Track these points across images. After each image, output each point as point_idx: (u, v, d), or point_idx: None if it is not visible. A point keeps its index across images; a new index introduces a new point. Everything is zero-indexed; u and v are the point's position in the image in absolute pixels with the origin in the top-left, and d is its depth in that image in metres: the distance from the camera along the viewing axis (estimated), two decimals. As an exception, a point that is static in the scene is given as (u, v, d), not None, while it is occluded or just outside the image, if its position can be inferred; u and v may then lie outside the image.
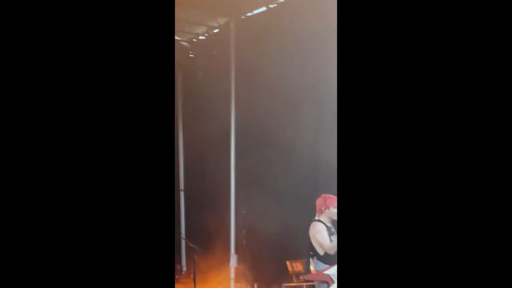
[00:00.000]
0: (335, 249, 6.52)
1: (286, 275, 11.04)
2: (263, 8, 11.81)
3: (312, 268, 7.00)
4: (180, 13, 9.66)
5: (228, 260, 11.88)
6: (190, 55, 13.34)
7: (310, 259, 6.94)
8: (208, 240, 11.63)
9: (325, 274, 6.69)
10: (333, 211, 6.82)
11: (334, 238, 6.72)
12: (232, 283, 11.79)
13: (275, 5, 11.62)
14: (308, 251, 6.92)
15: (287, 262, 11.02)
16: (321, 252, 6.72)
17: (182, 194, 13.91)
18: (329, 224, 6.82)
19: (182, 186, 13.87)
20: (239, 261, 11.88)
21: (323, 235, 6.75)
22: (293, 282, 10.95)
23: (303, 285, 10.63)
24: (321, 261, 6.72)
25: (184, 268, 13.01)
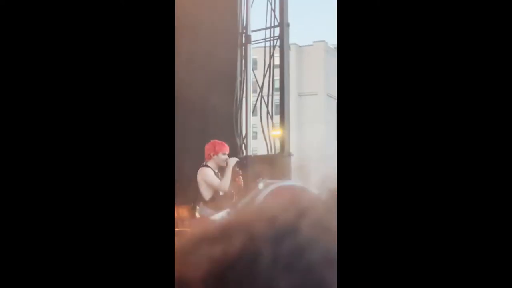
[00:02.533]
0: (226, 187, 7.23)
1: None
2: None
3: (197, 214, 7.84)
4: None
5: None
6: None
7: (197, 206, 7.68)
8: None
9: (210, 219, 7.11)
10: (222, 157, 7.31)
11: (223, 179, 7.26)
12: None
13: None
14: (194, 197, 7.57)
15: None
16: (207, 198, 7.31)
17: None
18: (216, 170, 7.35)
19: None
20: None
21: (211, 177, 7.24)
22: (178, 228, 7.98)
23: (187, 230, 8.98)
24: (207, 207, 7.36)
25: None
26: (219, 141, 7.42)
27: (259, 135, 13.40)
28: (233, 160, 7.26)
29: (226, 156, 7.28)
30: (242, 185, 7.35)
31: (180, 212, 10.63)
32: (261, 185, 7.56)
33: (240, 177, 7.35)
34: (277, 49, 11.66)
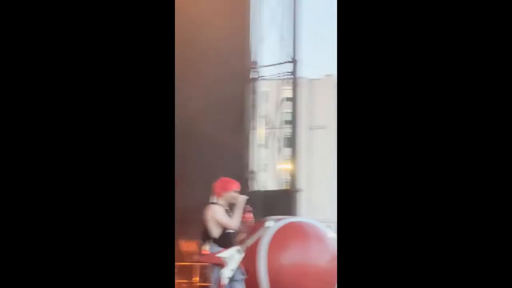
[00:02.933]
0: (236, 225, 6.98)
1: (178, 255, 9.69)
2: None
3: (204, 250, 7.30)
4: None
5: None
6: None
7: (206, 243, 7.16)
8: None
9: (217, 256, 6.87)
10: (233, 195, 7.05)
11: (233, 217, 7.02)
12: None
13: None
14: (202, 234, 7.15)
15: (178, 241, 10.47)
16: (215, 234, 6.95)
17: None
18: (226, 207, 7.07)
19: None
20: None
21: (221, 215, 6.95)
22: (185, 262, 10.41)
23: (192, 265, 10.53)
24: (216, 244, 6.95)
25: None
26: (229, 179, 7.25)
27: (269, 167, 13.35)
28: (243, 198, 7.15)
29: (237, 194, 7.19)
30: (253, 221, 7.25)
31: (186, 246, 10.50)
32: (268, 223, 7.46)
33: (251, 213, 7.25)
34: (287, 82, 11.64)
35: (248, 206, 7.12)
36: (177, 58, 3.85)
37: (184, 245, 10.68)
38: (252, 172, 11.79)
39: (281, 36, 11.57)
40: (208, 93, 11.49)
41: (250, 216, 7.08)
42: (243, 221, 7.00)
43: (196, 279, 10.31)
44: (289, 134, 11.80)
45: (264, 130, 12.39)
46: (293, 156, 11.45)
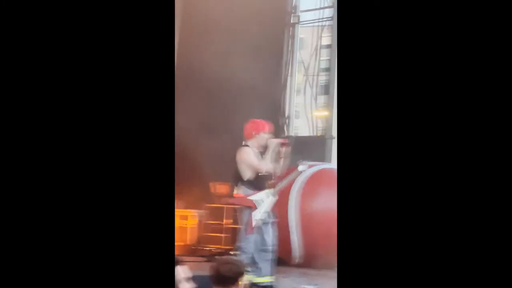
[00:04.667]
0: (266, 167, 6.99)
1: (209, 196, 10.92)
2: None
3: (236, 192, 7.42)
4: None
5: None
6: None
7: (235, 185, 7.29)
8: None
9: (248, 199, 6.94)
10: (263, 136, 7.04)
11: (263, 160, 7.02)
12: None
13: None
14: (234, 176, 7.22)
15: (210, 184, 10.92)
16: (246, 177, 6.98)
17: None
18: (256, 150, 7.07)
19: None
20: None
21: (251, 157, 6.96)
22: (215, 204, 10.73)
23: (223, 207, 10.60)
24: (246, 187, 7.00)
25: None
26: (261, 120, 7.24)
27: (302, 114, 13.30)
28: (274, 142, 7.13)
29: (268, 136, 7.16)
30: (287, 152, 7.17)
31: (218, 189, 10.57)
32: (301, 168, 7.45)
33: (286, 139, 7.25)
34: (325, 30, 11.52)
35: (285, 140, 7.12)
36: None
37: (216, 187, 10.78)
38: (287, 117, 11.79)
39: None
40: (247, 37, 11.45)
41: (285, 146, 7.06)
42: (279, 151, 6.99)
43: (227, 221, 10.43)
44: (325, 81, 11.74)
45: (300, 76, 12.31)
46: (328, 104, 11.40)
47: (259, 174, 6.99)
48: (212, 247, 10.42)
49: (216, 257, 8.73)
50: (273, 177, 7.04)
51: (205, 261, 9.56)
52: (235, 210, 9.95)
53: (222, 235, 10.38)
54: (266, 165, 6.97)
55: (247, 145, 7.07)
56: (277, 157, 7.05)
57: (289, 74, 11.90)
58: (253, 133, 7.06)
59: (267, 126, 7.13)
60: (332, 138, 11.12)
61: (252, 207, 6.89)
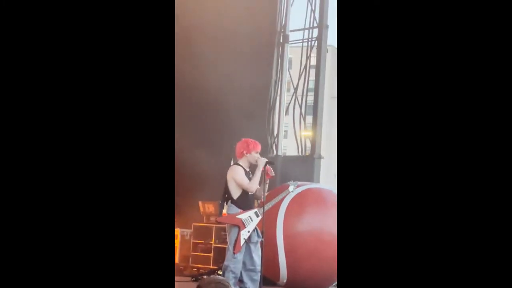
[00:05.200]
0: (255, 187, 7.04)
1: (197, 215, 10.94)
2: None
3: (225, 211, 7.50)
4: None
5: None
6: None
7: (224, 203, 7.35)
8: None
9: (237, 218, 6.97)
10: (254, 156, 7.12)
11: (253, 179, 7.08)
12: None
13: None
14: (223, 194, 7.27)
15: (200, 202, 10.92)
16: (236, 196, 7.04)
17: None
18: (247, 169, 7.15)
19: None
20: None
21: (242, 176, 7.02)
22: (203, 223, 10.72)
23: (212, 226, 10.53)
24: (235, 205, 7.04)
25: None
26: (252, 140, 7.30)
27: (290, 134, 13.30)
28: (263, 161, 7.15)
29: (259, 155, 7.21)
30: (272, 175, 7.21)
31: (207, 207, 10.53)
32: (291, 188, 7.47)
33: (271, 169, 7.26)
34: (314, 50, 11.58)
35: (271, 168, 7.14)
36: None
37: (204, 206, 10.75)
38: (276, 136, 11.82)
39: (311, 1, 11.48)
40: (236, 56, 11.49)
41: (271, 171, 7.10)
42: (266, 178, 7.02)
43: (212, 240, 10.39)
44: (312, 101, 11.79)
45: (287, 96, 12.36)
46: (315, 124, 11.43)
47: (249, 193, 7.01)
48: (201, 267, 10.37)
49: (203, 276, 8.72)
50: (262, 197, 7.05)
51: (192, 280, 9.56)
52: (220, 230, 9.98)
53: (211, 254, 10.33)
54: (256, 185, 6.99)
55: (238, 164, 7.11)
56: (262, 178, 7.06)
57: (278, 94, 11.95)
58: (244, 152, 7.10)
59: (257, 146, 7.16)
60: (320, 157, 11.15)
61: (240, 226, 6.89)
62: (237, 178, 6.99)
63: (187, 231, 10.87)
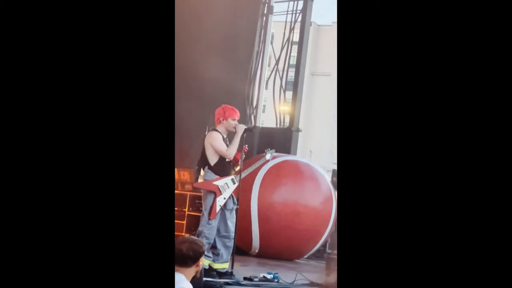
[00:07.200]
0: (233, 154, 7.01)
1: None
2: None
3: (201, 178, 7.69)
4: None
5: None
6: None
7: (201, 169, 7.36)
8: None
9: (213, 184, 6.94)
10: (231, 122, 7.07)
11: (230, 146, 7.07)
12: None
13: None
14: (200, 160, 7.31)
15: (175, 169, 10.54)
16: (213, 162, 7.01)
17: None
18: (225, 136, 7.10)
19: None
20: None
21: (219, 142, 6.98)
22: (178, 190, 10.50)
23: (187, 194, 10.45)
24: (212, 172, 7.02)
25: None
26: (230, 106, 7.22)
27: (268, 108, 13.29)
28: (242, 128, 7.10)
29: (236, 122, 7.16)
30: (244, 155, 7.22)
31: (182, 175, 10.51)
32: (268, 156, 7.48)
33: (246, 146, 7.25)
34: (297, 26, 11.56)
35: (246, 146, 7.13)
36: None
37: (179, 173, 10.74)
38: (255, 107, 11.82)
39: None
40: (218, 27, 11.45)
41: (246, 147, 7.11)
42: (239, 151, 7.02)
43: (186, 208, 10.39)
44: (292, 77, 11.79)
45: (267, 71, 12.34)
46: (295, 99, 11.44)
47: (226, 160, 7.00)
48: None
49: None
50: (239, 164, 7.04)
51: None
52: (197, 197, 9.97)
53: (184, 222, 10.33)
54: (234, 151, 6.98)
55: (216, 130, 7.06)
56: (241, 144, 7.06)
57: (259, 66, 11.93)
58: (221, 118, 7.06)
59: (236, 113, 7.14)
60: (298, 130, 11.17)
61: (216, 192, 6.87)
62: (215, 144, 6.96)
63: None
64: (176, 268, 4.27)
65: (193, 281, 4.34)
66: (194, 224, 9.57)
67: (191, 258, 4.29)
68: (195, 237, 4.62)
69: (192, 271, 4.29)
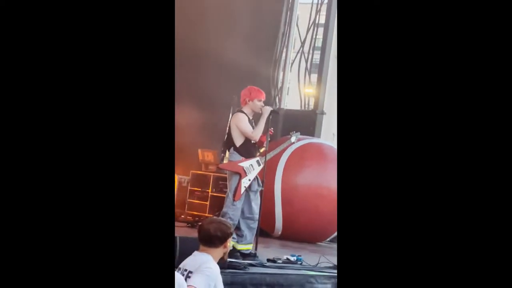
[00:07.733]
0: (258, 136, 6.98)
1: (196, 163, 11.03)
2: None
3: (226, 159, 7.57)
4: None
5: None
6: None
7: (227, 150, 7.32)
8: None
9: (239, 165, 6.92)
10: (257, 104, 7.03)
11: (256, 128, 7.03)
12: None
13: None
14: (226, 141, 7.31)
15: (199, 150, 10.94)
16: (238, 143, 6.99)
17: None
18: (251, 117, 7.07)
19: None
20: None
21: (245, 124, 6.94)
22: (201, 171, 10.72)
23: (210, 175, 10.55)
24: (237, 153, 7.00)
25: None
26: (255, 87, 7.20)
27: (292, 91, 13.24)
28: (268, 109, 7.06)
29: (262, 103, 7.14)
30: (269, 137, 7.20)
31: (206, 156, 10.52)
32: (293, 138, 7.47)
33: (272, 128, 7.23)
34: (324, 8, 11.50)
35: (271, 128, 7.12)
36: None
37: (204, 154, 10.76)
38: (280, 89, 11.80)
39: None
40: (244, 8, 11.43)
41: (271, 130, 7.10)
42: (264, 134, 7.01)
43: (209, 189, 10.43)
44: (317, 60, 11.75)
45: (292, 53, 12.29)
46: (319, 81, 11.40)
47: (251, 141, 7.00)
48: (196, 214, 10.43)
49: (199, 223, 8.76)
50: (264, 145, 7.04)
51: (188, 226, 9.61)
52: (221, 179, 10.01)
53: (207, 203, 10.38)
54: (260, 133, 6.96)
55: (241, 111, 7.05)
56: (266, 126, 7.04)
57: (284, 49, 11.89)
58: (247, 99, 7.04)
59: (261, 94, 7.12)
60: (322, 113, 11.14)
61: (241, 173, 6.88)
62: (241, 125, 6.94)
63: (185, 178, 10.91)
64: (203, 248, 4.31)
65: (218, 262, 4.37)
66: (217, 205, 9.63)
67: (218, 239, 4.32)
68: (222, 218, 4.65)
69: (219, 252, 4.31)
